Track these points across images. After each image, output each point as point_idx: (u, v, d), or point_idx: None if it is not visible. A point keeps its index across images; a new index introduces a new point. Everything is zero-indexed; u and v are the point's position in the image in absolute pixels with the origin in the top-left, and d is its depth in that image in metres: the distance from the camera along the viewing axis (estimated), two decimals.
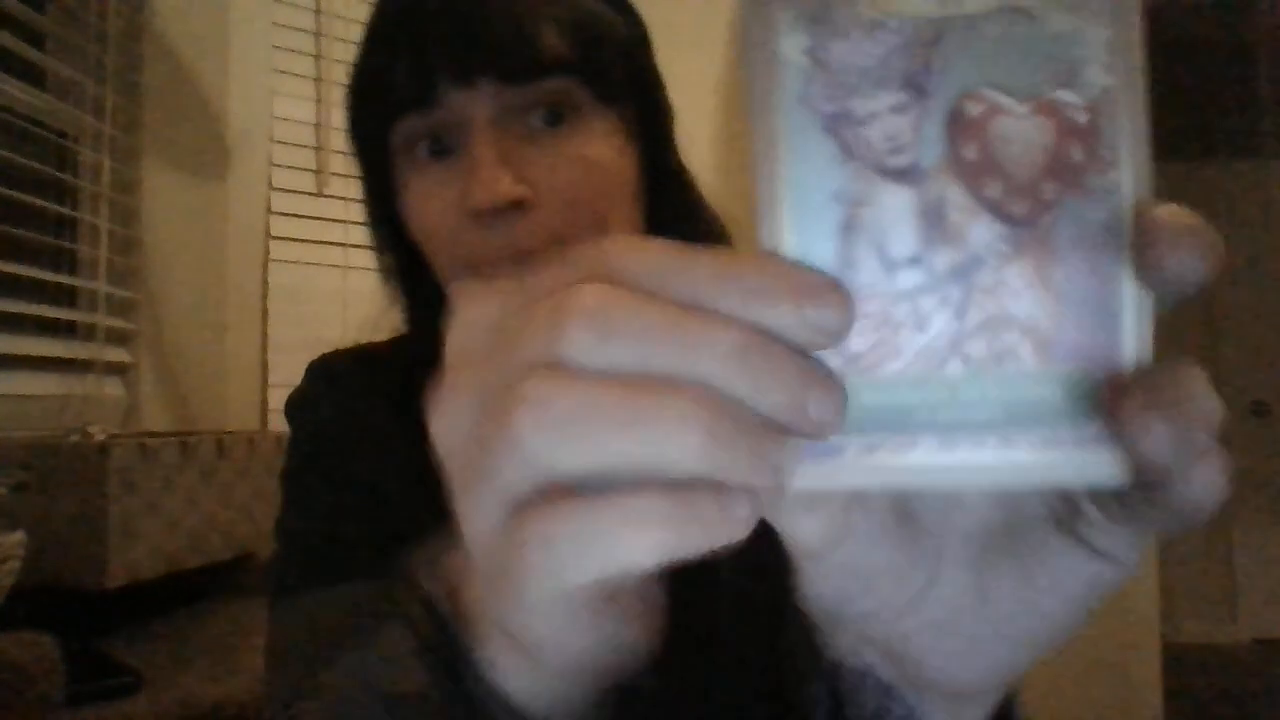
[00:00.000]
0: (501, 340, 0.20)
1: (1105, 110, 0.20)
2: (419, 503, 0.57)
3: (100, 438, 1.21)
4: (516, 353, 0.19)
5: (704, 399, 0.18)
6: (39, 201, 1.37)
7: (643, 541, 0.18)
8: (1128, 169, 0.20)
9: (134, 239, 1.59)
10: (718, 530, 0.18)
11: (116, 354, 1.54)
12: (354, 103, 0.54)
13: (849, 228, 0.20)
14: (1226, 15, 3.00)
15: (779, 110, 0.20)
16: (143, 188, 1.60)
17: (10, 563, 0.89)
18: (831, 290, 0.19)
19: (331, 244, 1.78)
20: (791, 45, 0.20)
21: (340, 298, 1.78)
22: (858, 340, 0.20)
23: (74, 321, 1.48)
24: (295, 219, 1.75)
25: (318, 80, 1.80)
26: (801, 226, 0.20)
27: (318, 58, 1.80)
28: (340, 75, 1.81)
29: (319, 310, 1.75)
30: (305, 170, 1.77)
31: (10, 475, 1.04)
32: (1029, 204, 0.20)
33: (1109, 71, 0.20)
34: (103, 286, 1.50)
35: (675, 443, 0.18)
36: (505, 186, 0.47)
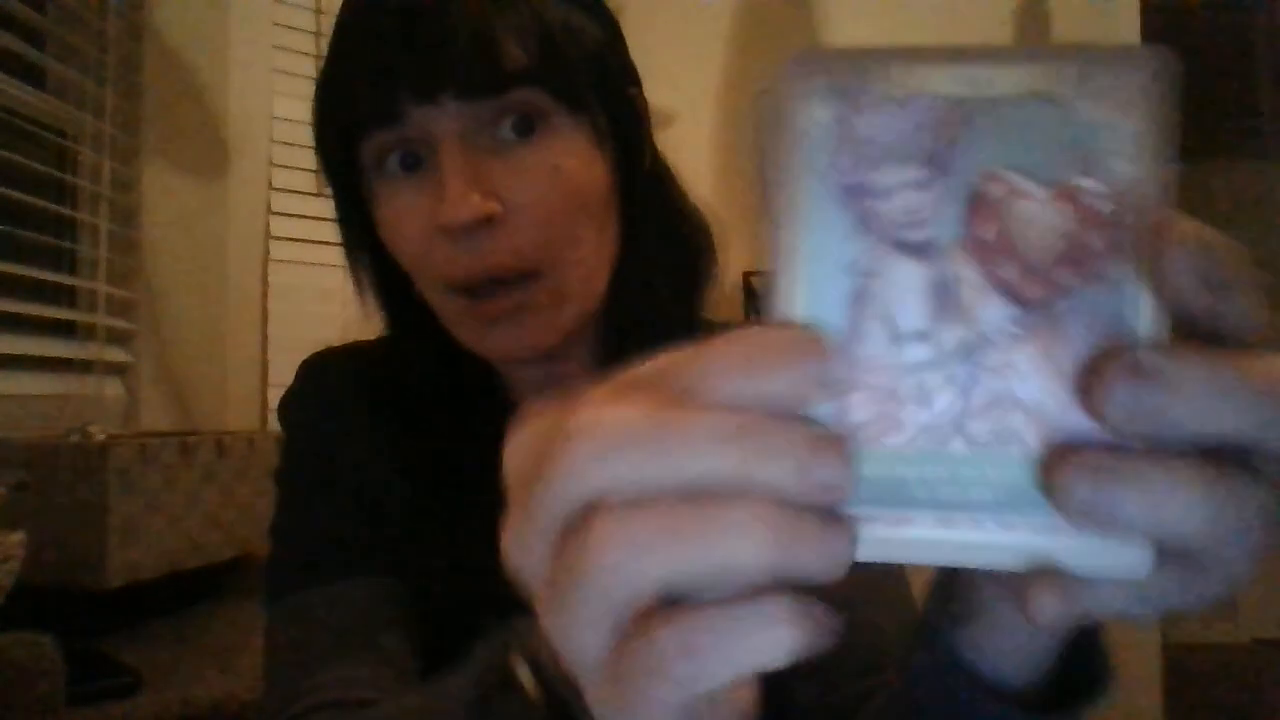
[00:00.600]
0: (559, 465, 0.20)
1: (1124, 202, 0.20)
2: (409, 501, 0.57)
3: (100, 438, 1.21)
4: (575, 481, 0.20)
5: (759, 504, 0.19)
6: (39, 201, 1.37)
7: (776, 640, 0.19)
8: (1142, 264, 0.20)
9: (134, 239, 1.58)
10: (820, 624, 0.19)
11: (116, 354, 1.54)
12: (319, 120, 0.53)
13: (860, 298, 0.20)
14: (1226, 15, 3.00)
15: (800, 178, 0.21)
16: (143, 188, 1.59)
17: (10, 563, 0.89)
18: (831, 445, 0.19)
19: (331, 244, 1.76)
20: (821, 114, 0.21)
21: (340, 298, 1.78)
22: (861, 411, 0.20)
23: (74, 321, 1.48)
24: (295, 219, 1.75)
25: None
26: (813, 294, 0.20)
27: (318, 58, 1.80)
28: None
29: (319, 310, 1.75)
30: (305, 170, 1.77)
31: (10, 475, 1.04)
32: (1043, 288, 0.20)
33: (1134, 163, 0.20)
34: (103, 286, 1.50)
35: (745, 548, 0.19)
36: (474, 204, 0.47)
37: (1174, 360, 0.19)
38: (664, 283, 0.56)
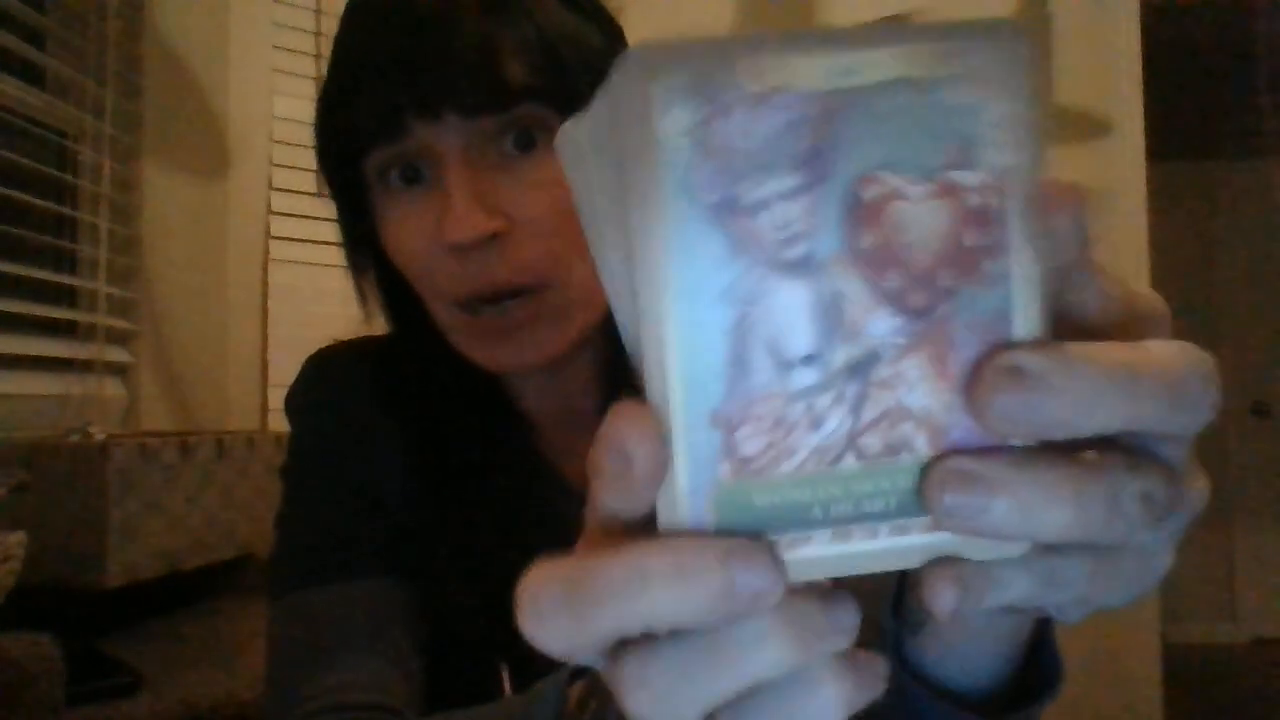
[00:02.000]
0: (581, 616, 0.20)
1: (1001, 192, 0.19)
2: (414, 499, 0.57)
3: (100, 438, 1.21)
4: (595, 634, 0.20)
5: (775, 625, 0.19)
6: (39, 201, 1.37)
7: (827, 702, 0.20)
8: (1021, 254, 0.19)
9: (134, 239, 1.58)
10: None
11: (116, 354, 1.54)
12: (322, 134, 0.53)
13: (740, 329, 0.19)
14: (1226, 15, 3.00)
15: (659, 199, 0.18)
16: (143, 188, 1.59)
17: (10, 563, 0.89)
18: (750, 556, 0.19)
19: (331, 244, 1.77)
20: (670, 125, 0.18)
21: (340, 298, 1.77)
22: (749, 444, 0.19)
23: (74, 321, 1.48)
24: (295, 219, 1.75)
25: (318, 80, 1.80)
26: (687, 331, 0.18)
27: (318, 58, 1.80)
28: None
29: (319, 310, 1.75)
30: (305, 170, 1.77)
31: (10, 475, 1.04)
32: (927, 294, 0.19)
33: (1005, 150, 0.19)
34: (103, 286, 1.50)
35: (769, 663, 0.19)
36: (480, 222, 0.47)
37: (1052, 360, 0.19)
38: None
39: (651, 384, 0.19)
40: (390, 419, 0.58)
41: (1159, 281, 2.63)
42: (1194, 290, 4.09)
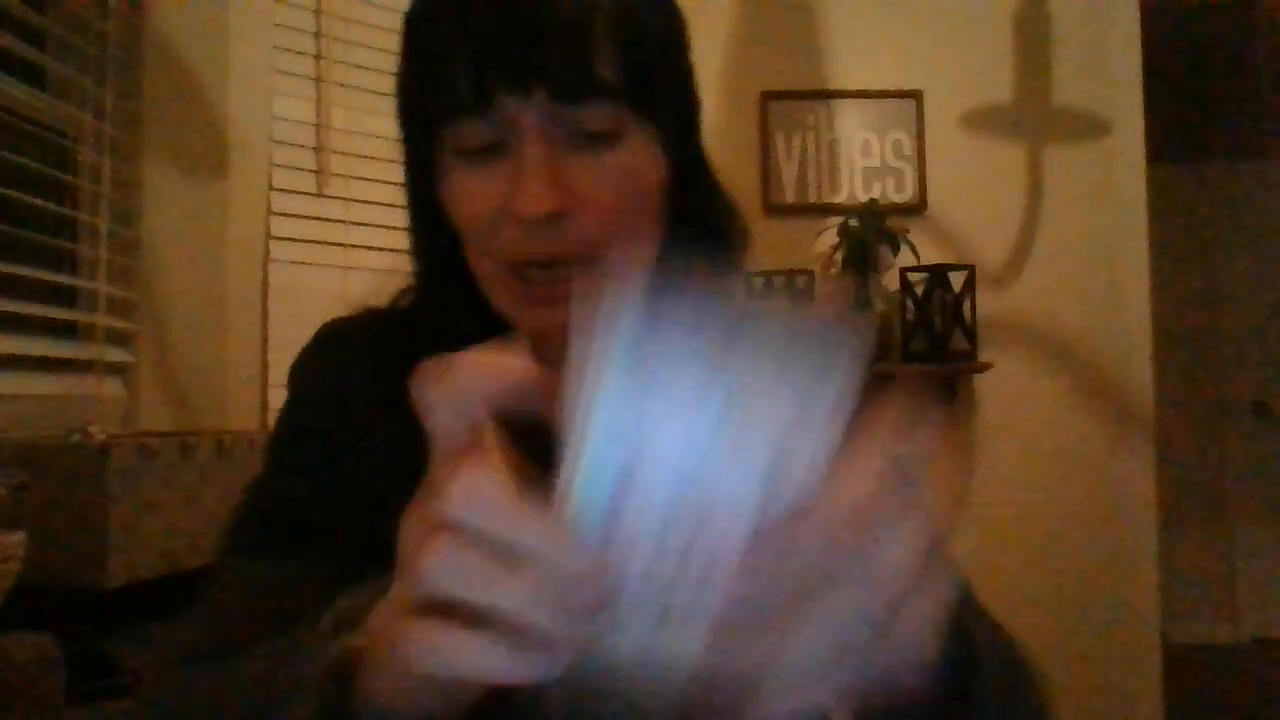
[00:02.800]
0: (440, 491, 0.29)
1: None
2: (399, 487, 0.58)
3: (100, 438, 1.21)
4: (443, 505, 0.29)
5: (533, 574, 0.28)
6: (39, 201, 1.37)
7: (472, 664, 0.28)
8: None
9: (134, 239, 1.58)
10: (521, 669, 0.28)
11: (116, 354, 1.54)
12: (406, 95, 0.56)
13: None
14: (1226, 15, 3.00)
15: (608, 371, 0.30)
16: (143, 188, 1.59)
17: (10, 563, 0.89)
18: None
19: (331, 244, 1.78)
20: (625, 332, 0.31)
21: (340, 298, 1.78)
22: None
23: (74, 321, 1.48)
24: (295, 219, 1.75)
25: (318, 80, 1.80)
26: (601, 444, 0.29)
27: (318, 58, 1.80)
28: (340, 75, 1.81)
29: (319, 310, 1.74)
30: (305, 170, 1.77)
31: (10, 475, 1.04)
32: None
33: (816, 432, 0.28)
34: (103, 286, 1.50)
35: (509, 597, 0.28)
36: (552, 199, 0.50)
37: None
38: (699, 271, 0.59)
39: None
40: (388, 403, 0.59)
41: (1159, 281, 2.63)
42: (1194, 290, 4.09)
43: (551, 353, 0.60)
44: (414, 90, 0.55)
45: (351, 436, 0.59)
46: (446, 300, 0.59)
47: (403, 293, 0.64)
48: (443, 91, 0.51)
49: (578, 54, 0.49)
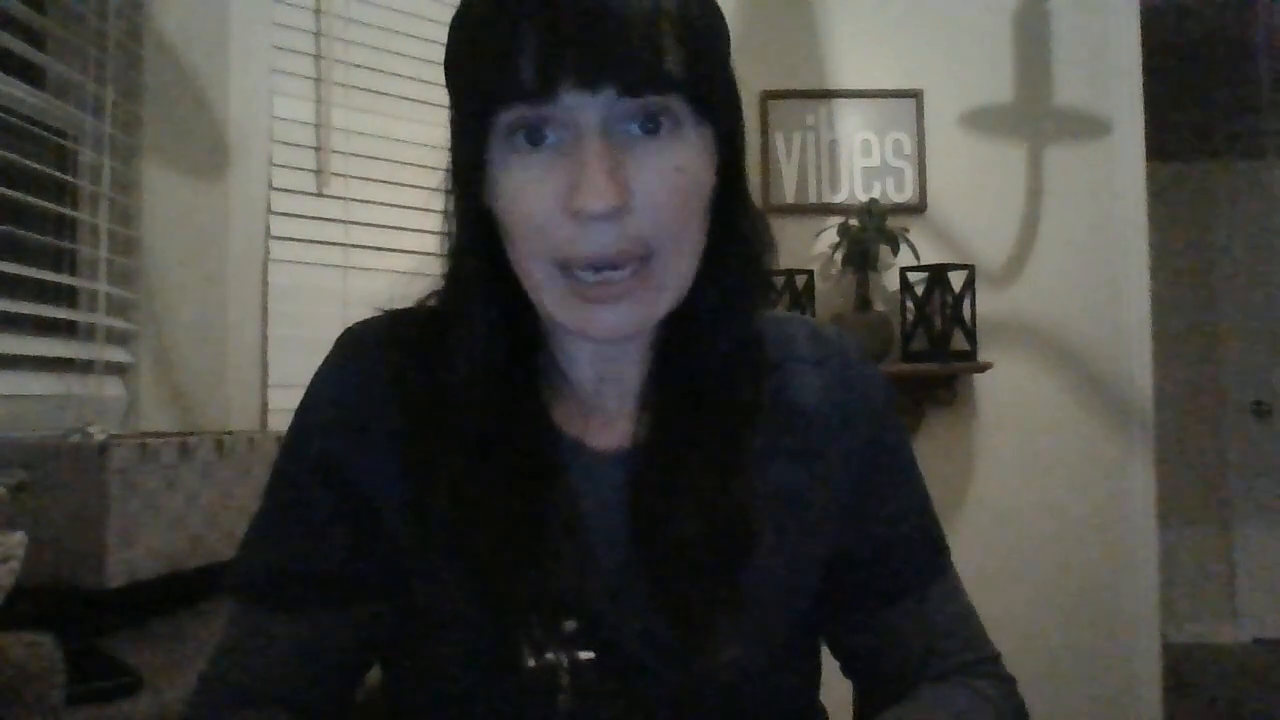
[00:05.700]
0: None
1: None
2: (408, 489, 0.59)
3: (100, 438, 1.21)
4: None
5: None
6: (39, 201, 1.37)
7: None
8: None
9: (134, 239, 1.58)
10: None
11: (116, 354, 1.54)
12: (462, 80, 0.54)
13: None
14: (1226, 15, 3.00)
15: None
16: (143, 188, 1.59)
17: (10, 563, 0.89)
18: None
19: (331, 244, 1.78)
20: None
21: (340, 298, 1.78)
22: None
23: (74, 321, 1.48)
24: (295, 219, 1.75)
25: (318, 80, 1.80)
26: None
27: (318, 58, 1.80)
28: (340, 75, 1.81)
29: (319, 310, 1.75)
30: (305, 170, 1.77)
31: (10, 475, 1.04)
32: None
33: None
34: (103, 286, 1.50)
35: None
36: (614, 194, 0.49)
37: None
38: (736, 278, 0.60)
39: None
40: (402, 395, 0.59)
41: (1159, 281, 2.63)
42: (1194, 290, 4.09)
43: (583, 354, 0.61)
44: (473, 80, 0.53)
45: (354, 451, 0.59)
46: (480, 303, 0.58)
47: (429, 294, 0.62)
48: (506, 82, 0.50)
49: (647, 49, 0.49)
